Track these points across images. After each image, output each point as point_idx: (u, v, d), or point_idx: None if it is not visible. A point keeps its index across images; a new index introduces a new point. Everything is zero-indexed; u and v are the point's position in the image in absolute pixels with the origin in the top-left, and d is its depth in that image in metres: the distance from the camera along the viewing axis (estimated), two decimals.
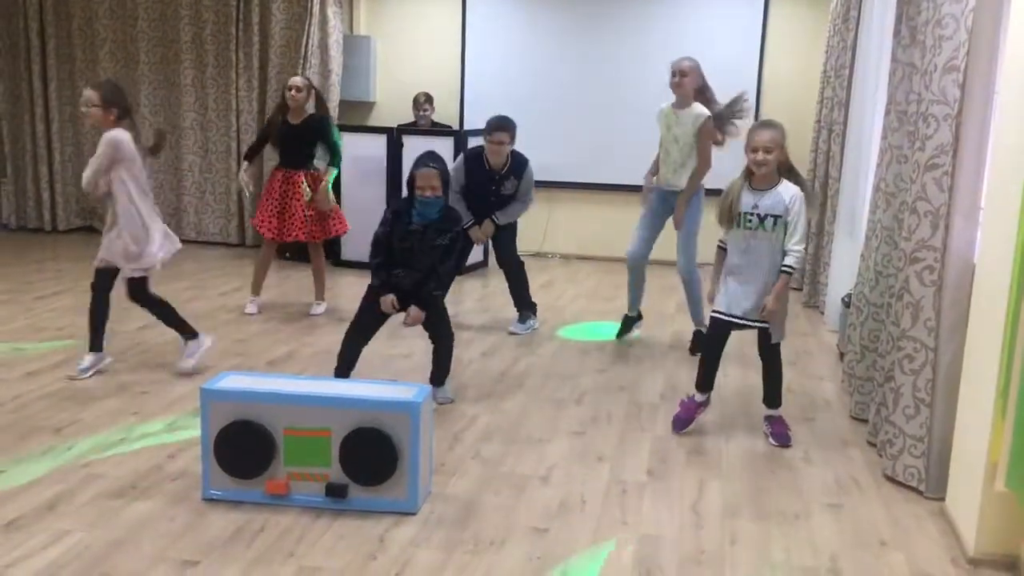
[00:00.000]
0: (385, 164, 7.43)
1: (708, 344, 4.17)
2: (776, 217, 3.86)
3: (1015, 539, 2.96)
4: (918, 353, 3.47)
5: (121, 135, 4.39)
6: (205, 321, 5.73)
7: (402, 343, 5.28)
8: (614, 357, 5.30)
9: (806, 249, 4.51)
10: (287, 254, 7.58)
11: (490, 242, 5.88)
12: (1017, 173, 2.85)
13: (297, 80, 5.85)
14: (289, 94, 5.78)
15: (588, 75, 8.25)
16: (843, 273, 5.71)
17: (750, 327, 4.00)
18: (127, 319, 5.60)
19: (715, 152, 5.26)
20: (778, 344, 4.05)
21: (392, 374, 4.78)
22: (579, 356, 5.28)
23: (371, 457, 3.16)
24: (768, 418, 4.11)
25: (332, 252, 7.56)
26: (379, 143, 7.48)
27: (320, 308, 6.05)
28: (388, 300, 4.24)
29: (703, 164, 5.21)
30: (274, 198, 5.87)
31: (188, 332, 4.69)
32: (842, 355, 4.96)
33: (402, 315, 4.30)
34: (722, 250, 4.04)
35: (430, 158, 4.17)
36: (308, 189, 5.89)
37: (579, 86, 8.27)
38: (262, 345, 5.29)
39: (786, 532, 3.18)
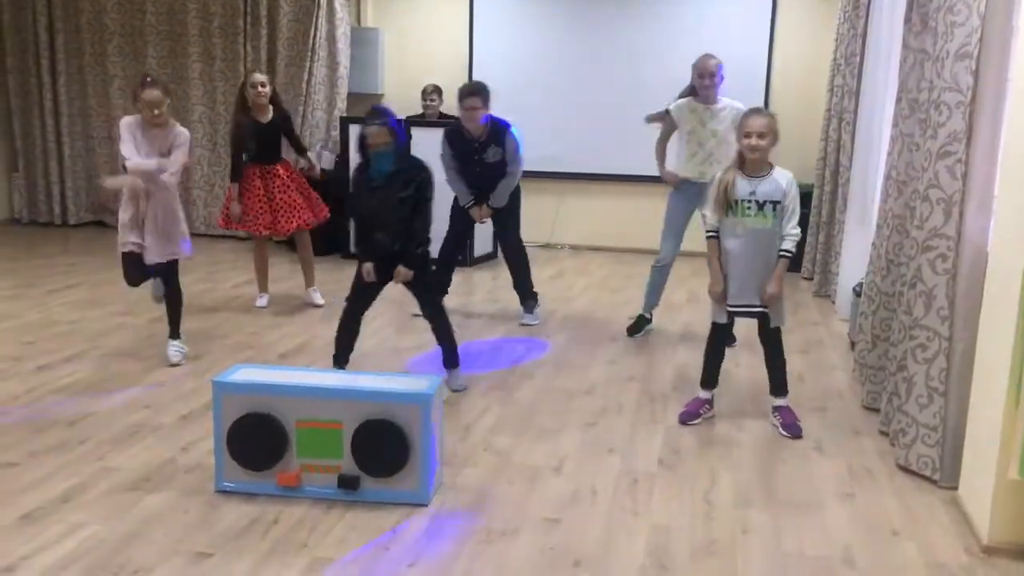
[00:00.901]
0: None
1: (713, 341, 4.16)
2: (775, 203, 3.87)
3: None
4: (931, 342, 3.45)
5: None
6: (216, 314, 5.77)
7: (412, 336, 5.29)
8: (624, 348, 5.29)
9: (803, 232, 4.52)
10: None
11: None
12: None
13: (261, 76, 5.79)
14: (255, 91, 5.71)
15: (597, 65, 8.21)
16: (854, 262, 5.69)
17: (751, 315, 4.00)
18: (139, 312, 5.62)
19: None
20: (779, 328, 4.04)
21: (402, 367, 4.79)
22: (589, 347, 5.28)
23: (383, 449, 3.17)
24: (776, 408, 4.09)
25: (341, 244, 7.58)
26: None
27: (317, 295, 6.08)
28: (367, 268, 4.27)
29: None
30: (258, 195, 5.82)
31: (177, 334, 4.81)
32: (853, 344, 4.94)
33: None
34: (714, 239, 4.00)
35: (374, 116, 4.18)
36: (297, 161, 6.03)
37: (588, 76, 8.23)
38: (273, 337, 5.31)
39: (798, 522, 3.18)
